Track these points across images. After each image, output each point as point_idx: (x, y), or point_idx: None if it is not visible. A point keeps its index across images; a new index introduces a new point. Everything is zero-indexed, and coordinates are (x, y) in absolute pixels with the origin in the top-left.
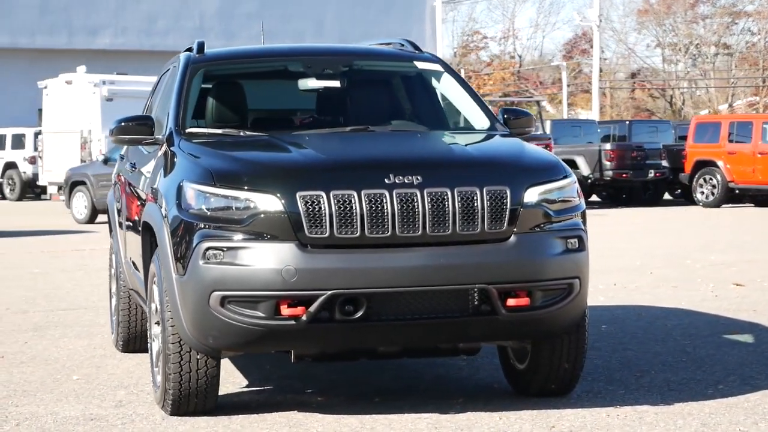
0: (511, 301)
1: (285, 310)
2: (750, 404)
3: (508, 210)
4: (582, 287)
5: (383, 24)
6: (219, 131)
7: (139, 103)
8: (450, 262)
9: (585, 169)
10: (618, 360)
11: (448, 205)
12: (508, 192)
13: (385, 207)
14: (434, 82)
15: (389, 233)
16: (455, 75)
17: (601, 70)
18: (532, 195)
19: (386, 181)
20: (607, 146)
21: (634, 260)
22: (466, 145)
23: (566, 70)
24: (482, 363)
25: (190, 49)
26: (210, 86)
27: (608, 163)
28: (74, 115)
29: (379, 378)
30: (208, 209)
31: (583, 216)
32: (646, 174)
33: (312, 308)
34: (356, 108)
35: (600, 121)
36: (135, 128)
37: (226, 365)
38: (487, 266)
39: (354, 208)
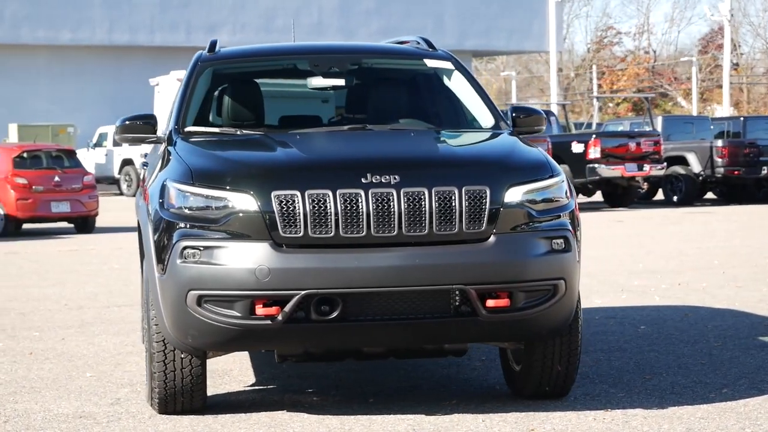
0: (490, 302)
1: (260, 310)
2: (746, 409)
3: (487, 210)
4: (568, 289)
5: (503, 20)
6: (216, 130)
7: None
8: (426, 263)
9: (696, 166)
10: (636, 362)
11: (424, 204)
12: (488, 191)
13: (360, 207)
14: (444, 80)
15: (364, 233)
16: (466, 73)
17: (737, 65)
18: (513, 195)
19: (363, 180)
20: (719, 143)
21: (712, 259)
22: (456, 144)
23: (698, 66)
24: (495, 364)
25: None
26: (219, 85)
27: (720, 160)
28: None
29: (385, 379)
30: (186, 208)
31: (572, 216)
32: (759, 171)
33: (287, 308)
34: (363, 106)
35: (714, 117)
36: (138, 127)
37: (234, 365)
38: (465, 267)
39: (328, 207)
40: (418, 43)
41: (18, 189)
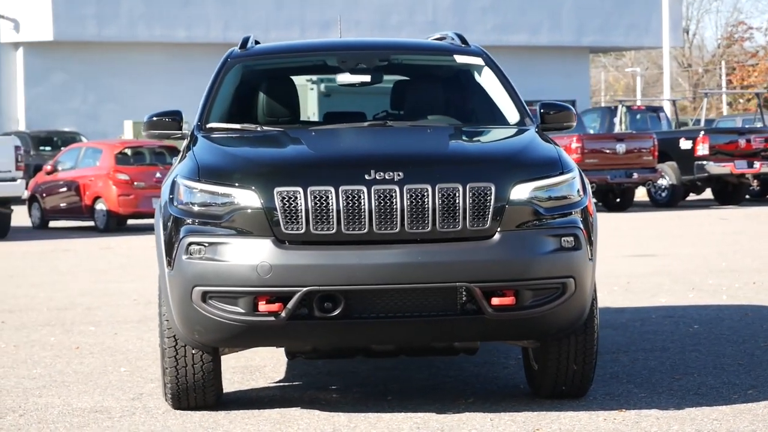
0: (495, 300)
1: (262, 306)
2: (763, 411)
3: (491, 207)
4: (579, 287)
5: (621, 15)
6: (238, 126)
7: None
8: (428, 260)
9: None
10: (673, 362)
11: (427, 201)
12: (493, 188)
13: (363, 203)
14: (473, 75)
15: (366, 230)
16: (496, 69)
17: None
18: (520, 192)
19: (366, 177)
20: None
21: None
22: (470, 141)
23: None
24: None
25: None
26: (247, 82)
27: None
28: None
29: (411, 376)
30: (193, 204)
31: (585, 214)
32: None
33: (289, 305)
34: (391, 102)
35: None
36: (164, 123)
37: (269, 361)
38: (468, 264)
39: (330, 204)
40: (453, 39)
41: (120, 185)
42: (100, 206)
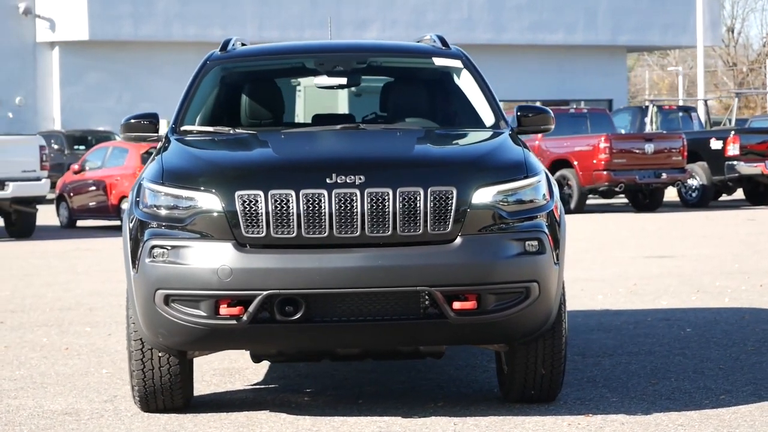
0: (456, 305)
1: (223, 310)
2: (732, 416)
3: (453, 211)
4: (543, 291)
5: (658, 14)
6: (211, 129)
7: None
8: (388, 264)
9: None
10: (654, 366)
11: (388, 205)
12: (455, 192)
13: (323, 207)
14: (451, 78)
15: (326, 234)
16: (474, 71)
17: None
18: (483, 195)
19: (327, 181)
20: None
21: None
22: (436, 144)
23: None
24: None
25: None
26: (224, 84)
27: None
28: (325, 110)
29: (389, 379)
30: (157, 207)
31: (551, 217)
32: None
33: (250, 308)
34: (366, 105)
35: None
36: (140, 126)
37: (250, 363)
38: (429, 268)
39: (291, 208)
40: (434, 41)
41: None
42: (126, 205)
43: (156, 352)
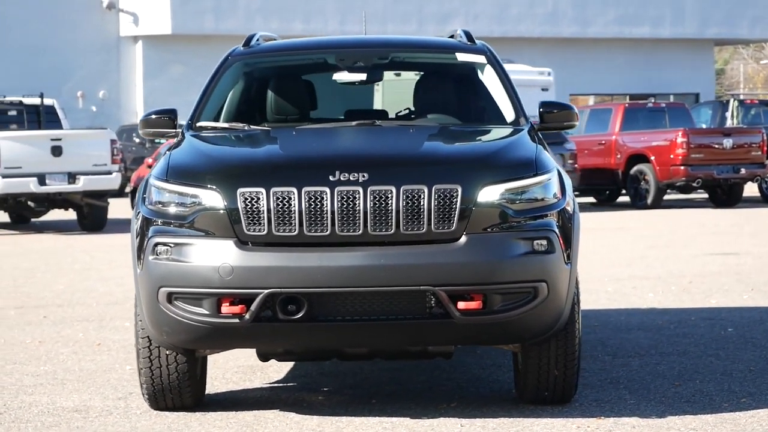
0: (461, 304)
1: (225, 308)
2: (747, 420)
3: (457, 209)
4: (552, 291)
5: (746, 7)
6: (226, 125)
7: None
8: (390, 263)
9: None
10: (684, 367)
11: (391, 203)
12: (459, 190)
13: (325, 205)
14: (474, 73)
15: (328, 232)
16: (497, 67)
17: None
18: (489, 194)
19: (330, 178)
20: None
21: None
22: (449, 142)
23: None
24: None
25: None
26: (245, 80)
27: None
28: (404, 104)
29: (410, 379)
30: (161, 204)
31: (562, 216)
32: None
33: (252, 307)
34: (387, 101)
35: None
36: (159, 121)
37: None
38: (432, 267)
39: (293, 205)
40: (461, 36)
41: None
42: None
43: (163, 350)
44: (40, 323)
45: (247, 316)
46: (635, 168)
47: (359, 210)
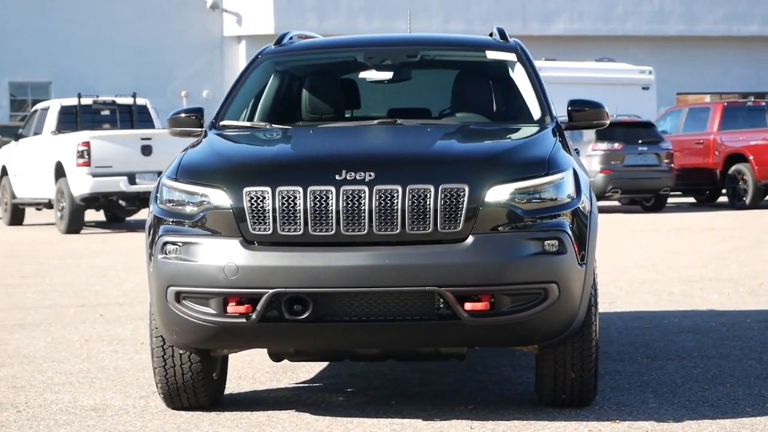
0: (468, 305)
1: (231, 308)
2: (765, 425)
3: (464, 209)
4: (564, 293)
5: None
6: (248, 124)
7: (564, 89)
8: (395, 263)
9: None
10: (719, 371)
11: (397, 203)
12: (467, 190)
13: (330, 204)
14: (503, 71)
15: (333, 231)
16: (528, 65)
17: None
18: (498, 193)
19: (337, 177)
20: None
21: None
22: (462, 141)
23: None
24: None
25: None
26: (274, 79)
27: None
28: None
29: (439, 380)
30: (171, 203)
31: (575, 216)
32: None
33: (258, 307)
34: (413, 99)
35: None
36: (185, 120)
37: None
38: (438, 268)
39: (298, 205)
40: (494, 34)
41: None
42: None
43: (177, 349)
44: (94, 321)
45: (253, 315)
46: (733, 168)
47: (364, 209)
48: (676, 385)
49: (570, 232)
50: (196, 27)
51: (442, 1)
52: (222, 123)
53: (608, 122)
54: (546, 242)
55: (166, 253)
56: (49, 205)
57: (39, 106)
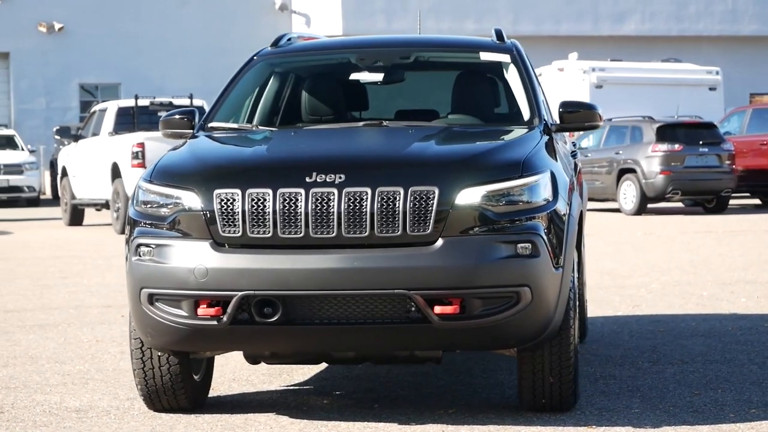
0: (437, 309)
1: (201, 310)
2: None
3: (434, 212)
4: (537, 297)
5: None
6: (235, 126)
7: (630, 90)
8: (363, 266)
9: None
10: (715, 376)
11: (366, 205)
12: (437, 192)
13: (299, 206)
14: (499, 73)
15: (302, 234)
16: (521, 66)
17: None
18: (468, 196)
19: (307, 179)
20: None
21: None
22: (440, 143)
23: None
24: None
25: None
26: (268, 80)
27: None
28: None
29: (426, 383)
30: (145, 205)
31: (551, 219)
32: None
33: (229, 309)
34: (408, 101)
35: None
36: (177, 122)
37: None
38: (407, 271)
39: (267, 207)
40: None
41: None
42: None
43: (155, 351)
44: (112, 323)
45: (224, 318)
46: None
47: (333, 212)
48: (668, 390)
49: (544, 236)
50: (264, 29)
51: (511, 2)
52: (210, 125)
53: (601, 124)
54: (519, 245)
55: (140, 255)
56: (107, 205)
57: (97, 107)
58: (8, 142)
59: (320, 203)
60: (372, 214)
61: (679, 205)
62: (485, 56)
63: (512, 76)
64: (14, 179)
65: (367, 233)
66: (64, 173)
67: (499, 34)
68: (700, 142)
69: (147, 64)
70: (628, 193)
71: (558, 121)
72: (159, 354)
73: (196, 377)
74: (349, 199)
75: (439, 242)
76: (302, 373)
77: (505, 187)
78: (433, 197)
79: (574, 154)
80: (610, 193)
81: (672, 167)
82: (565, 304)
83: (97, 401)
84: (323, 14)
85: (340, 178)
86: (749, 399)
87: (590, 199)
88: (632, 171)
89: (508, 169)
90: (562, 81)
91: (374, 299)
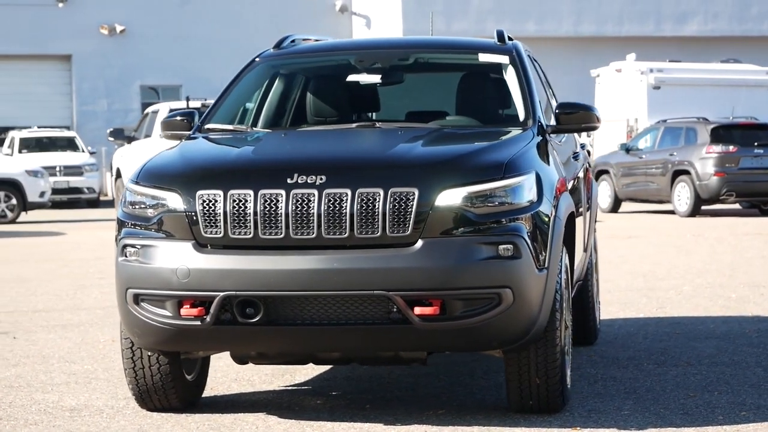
0: (417, 310)
1: (185, 311)
2: None
3: (413, 213)
4: (519, 298)
5: None
6: (230, 127)
7: (688, 91)
8: (343, 266)
9: None
10: (717, 378)
11: (345, 206)
12: (416, 194)
13: (280, 208)
14: (497, 74)
15: (282, 235)
16: (519, 67)
17: None
18: (449, 197)
19: (288, 181)
20: None
21: None
22: (424, 144)
23: None
24: None
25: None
26: (267, 82)
27: None
28: (622, 103)
29: (423, 383)
30: (132, 206)
31: (534, 221)
32: None
33: (211, 309)
34: (407, 103)
35: None
36: (177, 123)
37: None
38: (386, 272)
39: (248, 208)
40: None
41: None
42: None
43: (145, 351)
44: None
45: (207, 318)
46: None
47: (313, 213)
48: (664, 392)
49: (527, 237)
50: (325, 30)
51: (574, 3)
52: (207, 126)
53: (599, 125)
54: (500, 246)
55: (126, 256)
56: None
57: (150, 109)
58: (69, 144)
59: (301, 204)
60: (352, 215)
61: (736, 207)
62: (484, 58)
63: (510, 77)
64: (74, 180)
65: (347, 234)
66: (119, 174)
67: (500, 36)
68: (755, 144)
69: (207, 66)
70: (683, 195)
71: (563, 122)
72: (149, 354)
73: (189, 377)
74: (329, 200)
75: (419, 243)
76: (304, 373)
77: (487, 189)
78: (413, 198)
79: (576, 156)
80: (665, 194)
81: (726, 168)
82: (551, 305)
83: (93, 401)
84: (384, 15)
85: (321, 179)
86: (743, 401)
87: (645, 201)
88: (686, 173)
89: (490, 170)
90: (620, 82)
91: (355, 300)
